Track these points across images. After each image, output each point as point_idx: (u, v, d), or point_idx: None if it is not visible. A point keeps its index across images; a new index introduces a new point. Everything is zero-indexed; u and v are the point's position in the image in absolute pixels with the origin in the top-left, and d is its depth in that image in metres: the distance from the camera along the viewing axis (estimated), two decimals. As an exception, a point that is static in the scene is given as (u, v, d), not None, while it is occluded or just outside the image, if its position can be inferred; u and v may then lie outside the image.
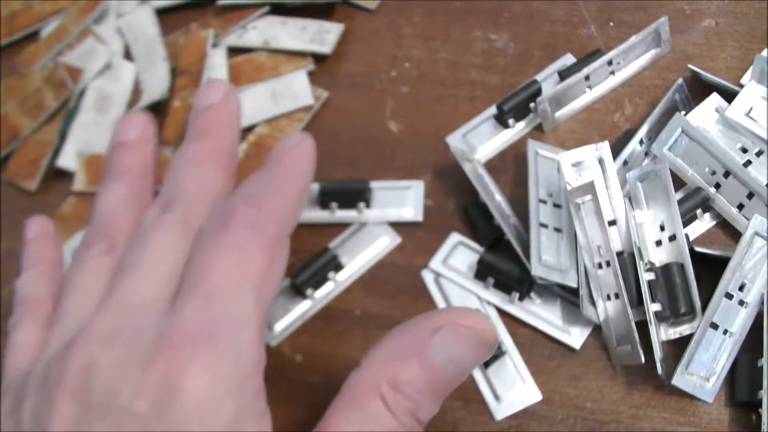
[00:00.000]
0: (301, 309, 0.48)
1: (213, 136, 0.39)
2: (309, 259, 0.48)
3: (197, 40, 0.55)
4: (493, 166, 0.51)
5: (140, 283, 0.34)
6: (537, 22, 0.55)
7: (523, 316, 0.46)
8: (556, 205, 0.47)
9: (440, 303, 0.47)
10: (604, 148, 0.47)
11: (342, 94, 0.54)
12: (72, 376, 0.31)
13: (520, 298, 0.46)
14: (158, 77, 0.54)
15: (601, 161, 0.47)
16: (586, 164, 0.47)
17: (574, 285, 0.44)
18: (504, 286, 0.46)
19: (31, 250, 0.42)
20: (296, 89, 0.53)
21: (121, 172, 0.39)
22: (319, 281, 0.48)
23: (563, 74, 0.52)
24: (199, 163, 0.38)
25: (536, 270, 0.44)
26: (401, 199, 0.50)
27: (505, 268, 0.46)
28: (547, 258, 0.45)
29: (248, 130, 0.53)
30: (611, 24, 0.55)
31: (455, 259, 0.48)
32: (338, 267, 0.48)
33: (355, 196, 0.49)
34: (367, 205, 0.50)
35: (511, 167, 0.50)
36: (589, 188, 0.45)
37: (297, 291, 0.47)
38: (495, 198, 0.48)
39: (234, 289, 0.30)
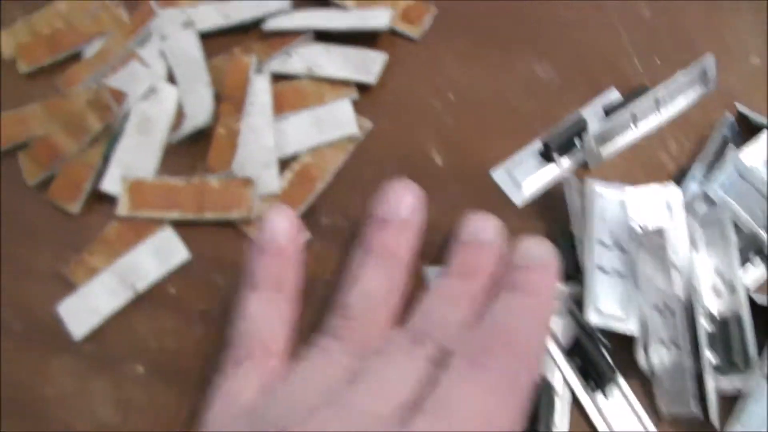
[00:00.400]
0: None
1: (479, 278, 0.37)
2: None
3: (240, 66, 0.55)
4: (539, 203, 0.50)
5: (378, 394, 0.32)
6: (580, 53, 0.55)
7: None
8: (617, 248, 0.46)
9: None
10: (673, 191, 0.46)
11: (385, 124, 0.54)
12: None
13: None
14: (202, 102, 0.54)
15: (668, 205, 0.46)
16: (652, 206, 0.46)
17: (634, 333, 0.44)
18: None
19: (271, 263, 0.39)
20: (341, 118, 0.53)
21: (384, 255, 0.37)
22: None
23: (609, 110, 0.52)
24: (457, 302, 0.36)
25: (593, 318, 0.44)
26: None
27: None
28: (605, 304, 0.45)
29: (291, 158, 0.53)
30: (656, 60, 0.54)
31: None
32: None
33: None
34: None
35: (560, 205, 0.50)
36: (659, 233, 0.44)
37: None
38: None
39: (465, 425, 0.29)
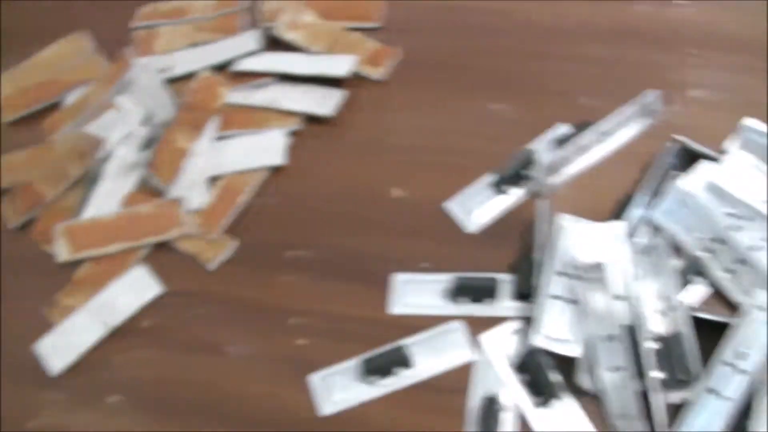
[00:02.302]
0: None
1: None
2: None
3: (210, 82, 0.59)
4: (492, 231, 0.53)
5: None
6: (535, 93, 0.58)
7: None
8: (570, 276, 0.49)
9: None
10: (619, 225, 0.49)
11: (347, 160, 0.57)
12: None
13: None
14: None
15: (614, 239, 0.49)
16: (600, 240, 0.49)
17: (576, 355, 0.46)
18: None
19: None
20: (272, 147, 0.57)
21: None
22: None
23: (559, 143, 0.55)
24: None
25: (537, 341, 0.47)
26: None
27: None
28: (552, 328, 0.47)
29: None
30: (604, 95, 0.57)
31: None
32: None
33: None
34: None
35: (513, 233, 0.53)
36: (600, 265, 0.47)
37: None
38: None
39: None
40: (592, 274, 0.47)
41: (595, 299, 0.47)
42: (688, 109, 0.55)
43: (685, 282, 0.49)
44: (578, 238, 0.49)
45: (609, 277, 0.47)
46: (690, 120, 0.55)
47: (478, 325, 0.50)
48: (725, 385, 0.44)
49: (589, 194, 0.54)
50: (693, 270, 0.49)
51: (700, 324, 0.46)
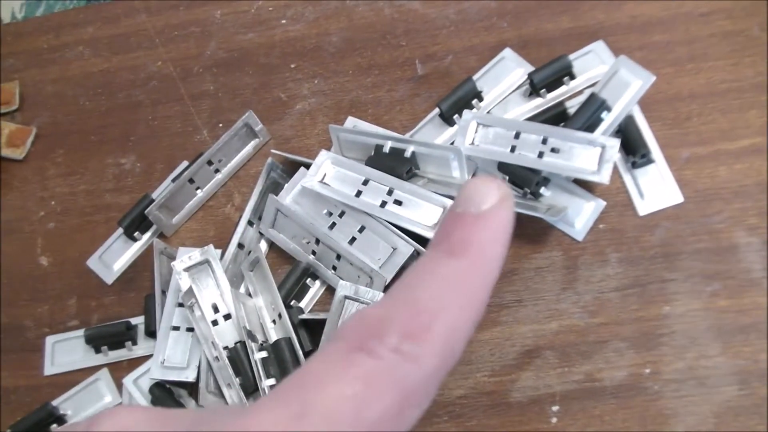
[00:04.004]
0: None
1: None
2: None
3: None
4: (128, 278, 0.57)
5: None
6: (158, 138, 0.63)
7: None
8: (183, 306, 0.53)
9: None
10: (210, 250, 0.53)
11: (-4, 241, 0.60)
12: None
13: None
14: None
15: (208, 262, 0.53)
16: (199, 266, 0.53)
17: (191, 380, 0.51)
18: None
19: None
20: None
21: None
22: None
23: (173, 181, 0.59)
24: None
25: (155, 373, 0.51)
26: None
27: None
28: (170, 358, 0.52)
29: None
30: (220, 125, 0.62)
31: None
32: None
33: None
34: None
35: (144, 275, 0.58)
36: (190, 293, 0.51)
37: None
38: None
39: (334, 420, 0.23)
40: (190, 299, 0.51)
41: (198, 324, 0.51)
42: (297, 122, 0.60)
43: (302, 286, 0.53)
44: (182, 268, 0.53)
45: (200, 300, 0.51)
46: (299, 132, 0.60)
47: (124, 369, 0.55)
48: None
49: (213, 223, 0.58)
50: (308, 274, 0.54)
51: (318, 323, 0.51)
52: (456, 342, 0.25)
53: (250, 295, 0.53)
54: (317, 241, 0.53)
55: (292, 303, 0.52)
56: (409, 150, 0.52)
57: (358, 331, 0.25)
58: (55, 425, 0.53)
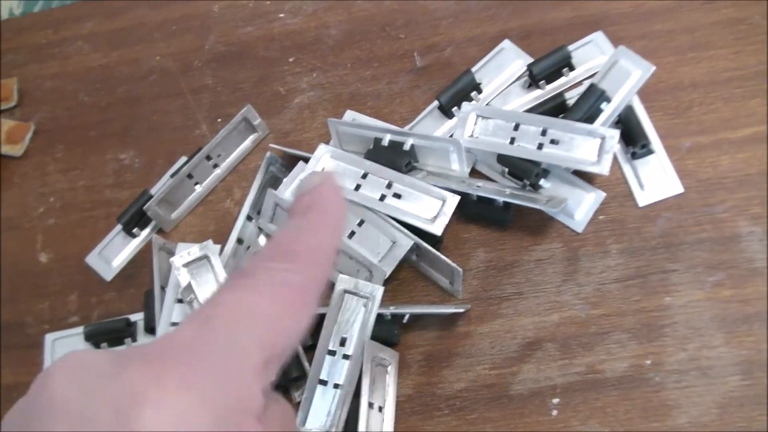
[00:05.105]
0: None
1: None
2: None
3: None
4: (127, 274, 0.57)
5: None
6: (158, 133, 0.62)
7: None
8: (183, 302, 0.53)
9: None
10: (209, 245, 0.53)
11: (-1, 238, 0.60)
12: None
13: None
14: None
15: (207, 258, 0.53)
16: (198, 261, 0.53)
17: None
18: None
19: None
20: None
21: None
22: None
23: (172, 176, 0.59)
24: None
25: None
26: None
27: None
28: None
29: None
30: (219, 120, 0.62)
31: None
32: None
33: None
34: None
35: (143, 272, 0.58)
36: (190, 289, 0.51)
37: None
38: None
39: (235, 320, 0.28)
40: (189, 295, 0.51)
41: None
42: (296, 116, 0.60)
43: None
44: (181, 264, 0.53)
45: (198, 296, 0.50)
46: (298, 126, 0.59)
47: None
48: (334, 374, 0.48)
49: (212, 218, 0.58)
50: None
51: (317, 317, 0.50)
52: (320, 258, 0.32)
53: (249, 289, 0.52)
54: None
55: (292, 297, 0.52)
56: (408, 143, 0.52)
57: (237, 270, 0.33)
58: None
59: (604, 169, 0.48)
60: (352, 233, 0.52)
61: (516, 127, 0.51)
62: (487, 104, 0.56)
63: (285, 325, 0.30)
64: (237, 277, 0.31)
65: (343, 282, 0.49)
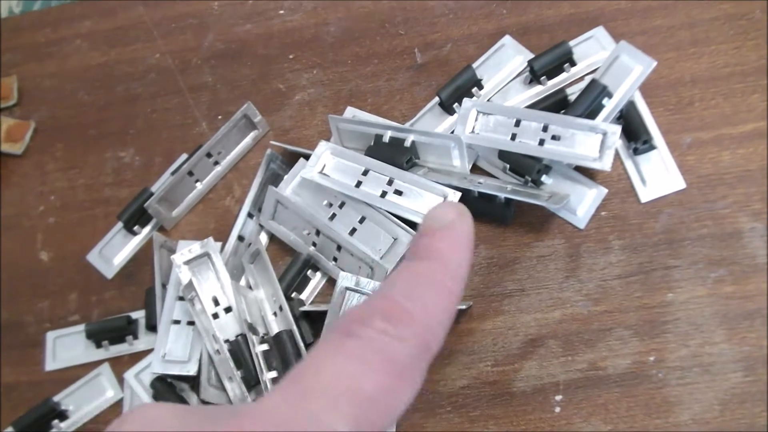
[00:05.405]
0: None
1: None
2: None
3: None
4: (128, 272, 0.57)
5: None
6: (157, 131, 0.62)
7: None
8: (184, 300, 0.53)
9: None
10: (210, 243, 0.53)
11: (-2, 237, 0.60)
12: None
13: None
14: None
15: (208, 255, 0.53)
16: (199, 259, 0.53)
17: (193, 374, 0.50)
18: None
19: None
20: None
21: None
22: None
23: (172, 174, 0.58)
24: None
25: (156, 367, 0.51)
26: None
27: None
28: (171, 352, 0.51)
29: None
30: (219, 117, 0.61)
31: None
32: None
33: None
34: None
35: (144, 269, 0.58)
36: (191, 286, 0.51)
37: None
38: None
39: (333, 395, 0.26)
40: (190, 293, 0.51)
41: (199, 317, 0.51)
42: (296, 112, 0.60)
43: (303, 278, 0.53)
44: (182, 262, 0.52)
45: (200, 294, 0.50)
46: (298, 123, 0.59)
47: (126, 364, 0.54)
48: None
49: (213, 216, 0.58)
50: (309, 266, 0.53)
51: (319, 315, 0.50)
52: (435, 326, 0.29)
53: (250, 287, 0.52)
54: (317, 233, 0.53)
55: (293, 295, 0.52)
56: (409, 139, 0.52)
57: (344, 322, 0.28)
58: (56, 420, 0.53)
59: (605, 165, 0.48)
60: (354, 230, 0.52)
61: (517, 123, 0.51)
62: (488, 100, 0.56)
63: (385, 402, 0.27)
64: (340, 334, 0.28)
65: (345, 279, 0.48)
